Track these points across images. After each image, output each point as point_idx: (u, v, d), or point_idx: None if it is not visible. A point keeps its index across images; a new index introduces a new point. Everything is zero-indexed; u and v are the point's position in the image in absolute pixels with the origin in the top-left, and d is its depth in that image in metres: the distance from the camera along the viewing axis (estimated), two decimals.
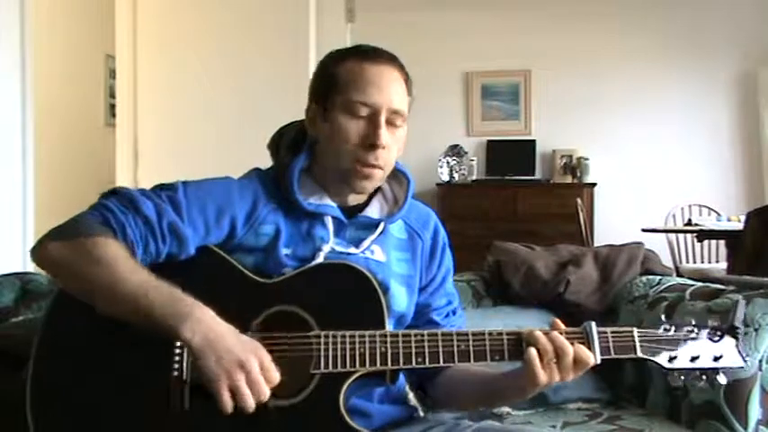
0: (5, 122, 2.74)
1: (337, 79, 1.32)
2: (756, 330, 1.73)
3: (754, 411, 1.71)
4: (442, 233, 1.48)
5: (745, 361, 1.26)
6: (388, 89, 1.31)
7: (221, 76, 3.87)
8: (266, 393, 1.11)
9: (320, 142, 1.36)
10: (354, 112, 1.30)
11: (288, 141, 1.41)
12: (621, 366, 2.03)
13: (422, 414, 1.43)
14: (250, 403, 1.10)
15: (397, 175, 1.42)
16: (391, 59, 1.35)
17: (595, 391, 1.99)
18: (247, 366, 1.10)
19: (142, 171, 3.95)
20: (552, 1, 6.40)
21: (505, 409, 1.88)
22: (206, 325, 1.11)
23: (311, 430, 1.18)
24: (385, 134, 1.30)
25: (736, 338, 1.25)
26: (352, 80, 1.31)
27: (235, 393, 1.10)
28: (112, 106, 4.98)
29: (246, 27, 3.86)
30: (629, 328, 1.24)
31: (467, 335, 1.21)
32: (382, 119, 1.30)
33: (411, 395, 1.47)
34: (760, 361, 1.72)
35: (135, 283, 1.13)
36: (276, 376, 1.13)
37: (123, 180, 3.95)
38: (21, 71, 2.77)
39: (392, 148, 1.33)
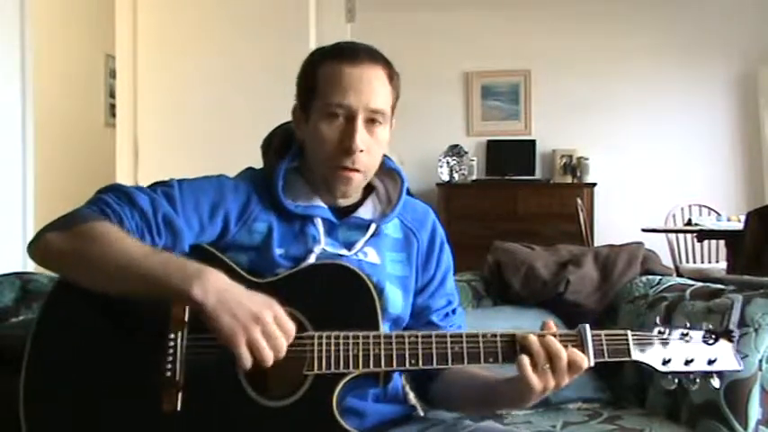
0: (5, 122, 2.74)
1: (316, 82, 1.29)
2: (756, 330, 1.73)
3: (754, 411, 1.71)
4: (440, 231, 1.45)
5: (741, 364, 1.24)
6: (366, 90, 1.27)
7: (221, 75, 3.87)
8: (283, 346, 1.10)
9: (305, 144, 1.35)
10: (331, 115, 1.27)
11: (277, 142, 1.40)
12: (621, 367, 2.03)
13: (421, 413, 1.43)
14: (268, 356, 1.09)
15: (392, 173, 1.40)
16: (371, 57, 1.30)
17: (595, 391, 1.99)
18: (262, 319, 1.09)
19: (142, 171, 3.95)
20: (552, 1, 6.40)
21: None
22: (216, 283, 1.10)
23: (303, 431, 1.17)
24: (362, 137, 1.27)
25: (732, 341, 1.23)
26: (329, 83, 1.28)
27: (252, 348, 1.09)
28: (112, 106, 4.98)
29: (247, 27, 3.87)
30: (623, 331, 1.21)
31: (461, 337, 1.20)
32: (358, 122, 1.27)
33: (411, 395, 1.46)
34: (760, 361, 1.72)
35: (139, 253, 1.13)
36: (292, 328, 1.12)
37: (123, 180, 3.95)
38: (21, 71, 2.77)
39: (373, 150, 1.30)
